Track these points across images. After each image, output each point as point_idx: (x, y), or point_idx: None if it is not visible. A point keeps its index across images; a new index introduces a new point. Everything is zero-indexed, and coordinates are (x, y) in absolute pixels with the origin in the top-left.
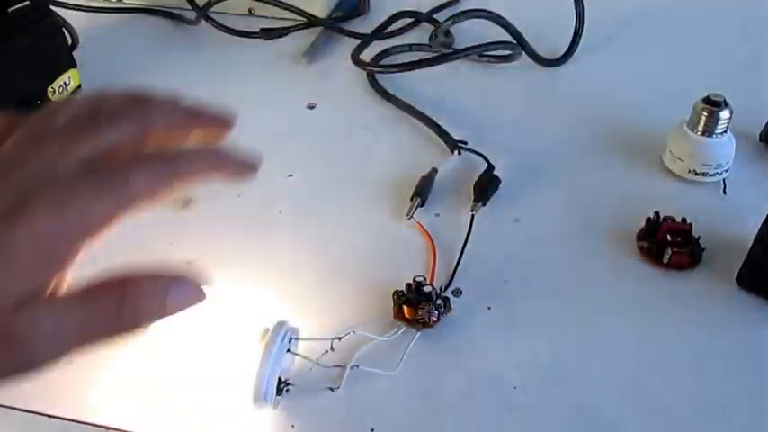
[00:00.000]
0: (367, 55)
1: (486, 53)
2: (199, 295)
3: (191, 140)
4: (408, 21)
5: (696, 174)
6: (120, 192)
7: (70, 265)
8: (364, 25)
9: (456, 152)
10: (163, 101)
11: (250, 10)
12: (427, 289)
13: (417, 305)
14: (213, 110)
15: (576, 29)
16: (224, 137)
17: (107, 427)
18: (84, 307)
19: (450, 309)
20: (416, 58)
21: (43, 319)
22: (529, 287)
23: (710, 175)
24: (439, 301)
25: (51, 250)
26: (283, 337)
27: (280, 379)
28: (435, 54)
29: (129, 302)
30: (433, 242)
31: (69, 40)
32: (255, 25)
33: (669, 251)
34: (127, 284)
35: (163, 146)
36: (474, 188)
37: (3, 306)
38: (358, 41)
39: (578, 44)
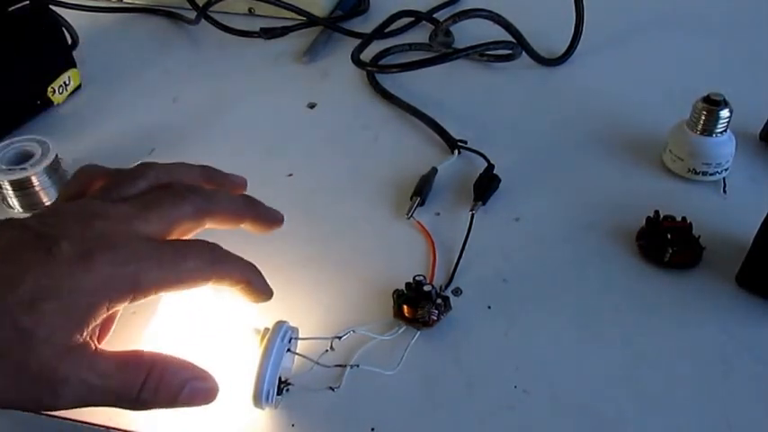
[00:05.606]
0: (367, 55)
1: (486, 52)
2: (210, 397)
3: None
4: (408, 20)
5: (696, 173)
6: (177, 267)
7: (113, 318)
8: (364, 25)
9: (456, 151)
10: (229, 184)
11: (250, 9)
12: (427, 288)
13: (417, 304)
14: (265, 208)
15: (576, 28)
16: (270, 232)
17: (107, 427)
18: (115, 378)
19: (450, 308)
20: (416, 58)
21: (84, 374)
22: (529, 286)
23: (710, 175)
24: (439, 301)
25: (105, 297)
26: (283, 336)
27: (280, 379)
28: (435, 54)
29: (152, 384)
30: (432, 241)
31: (69, 40)
32: (255, 25)
33: (669, 250)
34: (155, 367)
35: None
36: (474, 187)
37: (59, 348)
38: (358, 41)
39: (578, 44)
